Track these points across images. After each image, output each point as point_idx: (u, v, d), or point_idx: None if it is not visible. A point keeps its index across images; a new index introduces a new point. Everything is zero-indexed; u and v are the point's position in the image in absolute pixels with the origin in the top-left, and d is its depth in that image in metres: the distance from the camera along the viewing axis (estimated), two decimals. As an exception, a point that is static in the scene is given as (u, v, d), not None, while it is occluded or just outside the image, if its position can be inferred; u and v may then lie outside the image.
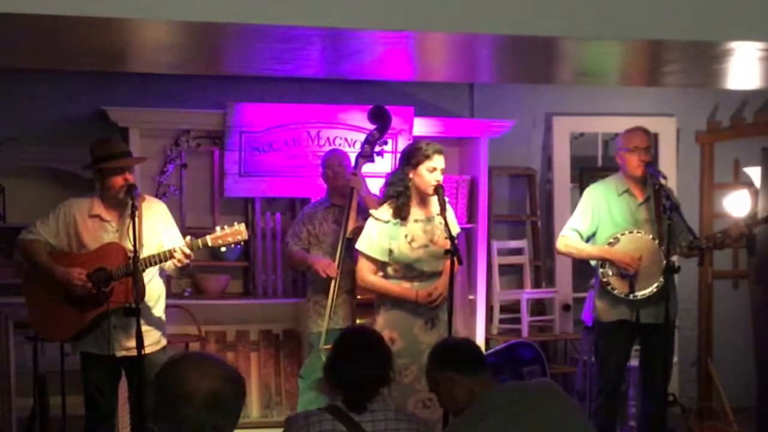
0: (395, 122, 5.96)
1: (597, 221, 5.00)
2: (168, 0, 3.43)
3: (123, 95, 5.87)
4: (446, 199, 4.66)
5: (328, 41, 4.24)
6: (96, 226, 4.50)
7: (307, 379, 5.22)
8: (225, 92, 5.92)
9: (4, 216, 5.86)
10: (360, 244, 4.62)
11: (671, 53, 4.46)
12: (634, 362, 5.25)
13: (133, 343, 4.30)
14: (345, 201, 5.18)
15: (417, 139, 5.40)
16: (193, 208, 6.10)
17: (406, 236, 4.55)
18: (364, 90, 5.97)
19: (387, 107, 5.48)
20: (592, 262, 5.09)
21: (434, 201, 4.56)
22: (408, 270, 4.57)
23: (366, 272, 4.60)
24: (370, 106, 5.31)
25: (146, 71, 5.49)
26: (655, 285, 4.82)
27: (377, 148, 5.19)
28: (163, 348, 4.62)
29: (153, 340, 4.51)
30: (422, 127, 6.06)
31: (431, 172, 4.51)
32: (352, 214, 5.06)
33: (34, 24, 3.55)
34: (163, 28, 3.80)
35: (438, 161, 4.52)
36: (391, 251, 4.55)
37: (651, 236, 4.90)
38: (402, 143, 5.89)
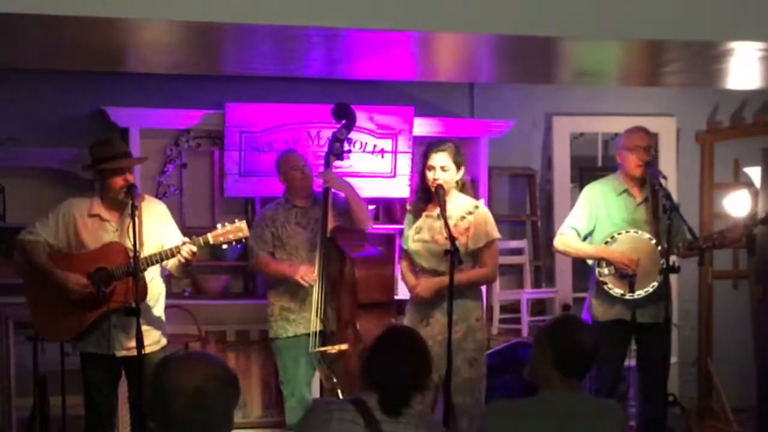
0: (395, 122, 5.98)
1: (595, 220, 4.99)
2: (168, 0, 3.44)
3: (123, 95, 5.86)
4: (475, 196, 4.89)
5: (328, 41, 4.25)
6: (96, 226, 4.50)
7: (288, 386, 5.13)
8: (225, 92, 5.91)
9: (4, 216, 5.85)
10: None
11: (671, 53, 4.47)
12: (633, 362, 5.24)
13: (133, 342, 4.29)
14: (307, 202, 5.11)
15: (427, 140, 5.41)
16: (193, 208, 6.09)
17: (415, 229, 4.72)
18: (364, 90, 5.96)
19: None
20: (589, 261, 5.08)
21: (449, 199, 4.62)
22: (413, 264, 4.75)
23: (403, 264, 4.84)
24: (332, 105, 5.19)
25: (146, 71, 5.50)
26: (652, 285, 4.82)
27: (346, 146, 5.15)
28: (163, 347, 4.62)
29: (153, 339, 4.51)
30: (422, 127, 6.05)
31: (430, 171, 4.59)
32: (330, 213, 4.98)
33: (35, 24, 3.56)
34: (163, 28, 3.81)
35: (434, 159, 4.58)
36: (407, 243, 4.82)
37: (648, 236, 4.89)
38: (402, 143, 5.89)
